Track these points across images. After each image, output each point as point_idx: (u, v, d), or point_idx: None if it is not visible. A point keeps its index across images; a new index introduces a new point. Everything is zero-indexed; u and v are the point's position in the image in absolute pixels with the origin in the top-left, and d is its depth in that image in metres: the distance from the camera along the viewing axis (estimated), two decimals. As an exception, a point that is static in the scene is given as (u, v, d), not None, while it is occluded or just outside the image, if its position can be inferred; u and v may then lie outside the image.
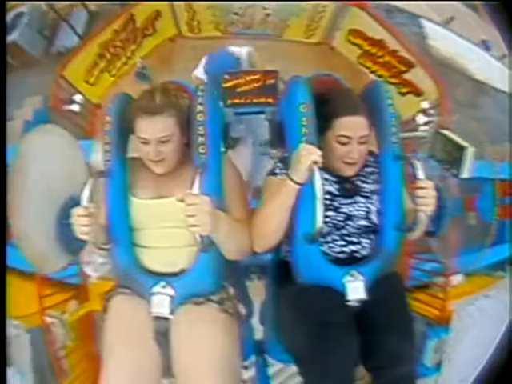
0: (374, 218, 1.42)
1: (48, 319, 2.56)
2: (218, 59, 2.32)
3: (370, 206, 1.42)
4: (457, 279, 2.75)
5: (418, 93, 3.66)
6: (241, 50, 2.42)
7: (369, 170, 1.48)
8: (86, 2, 5.03)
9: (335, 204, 1.40)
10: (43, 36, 4.89)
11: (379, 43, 3.79)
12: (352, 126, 1.36)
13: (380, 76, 3.95)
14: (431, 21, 4.16)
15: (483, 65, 4.08)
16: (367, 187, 1.44)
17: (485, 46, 4.54)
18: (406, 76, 3.74)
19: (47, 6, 4.86)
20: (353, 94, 1.46)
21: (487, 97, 4.06)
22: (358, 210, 1.41)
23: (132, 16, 3.98)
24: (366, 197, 1.43)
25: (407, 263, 2.90)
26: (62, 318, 2.59)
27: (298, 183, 1.25)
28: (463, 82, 3.85)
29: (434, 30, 4.13)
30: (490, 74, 3.99)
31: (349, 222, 1.40)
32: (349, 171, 1.41)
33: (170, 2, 4.01)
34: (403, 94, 3.77)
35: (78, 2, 4.93)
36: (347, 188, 1.43)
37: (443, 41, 4.07)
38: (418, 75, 3.65)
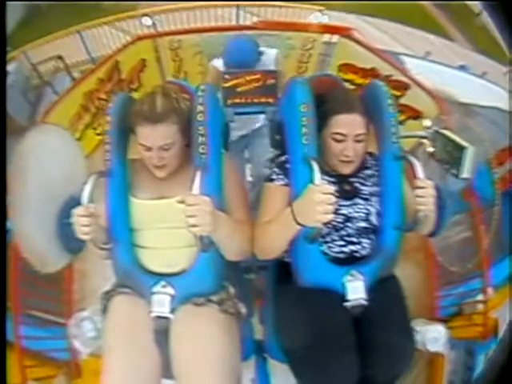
0: (373, 219, 1.45)
1: None
2: (239, 46, 2.35)
3: (369, 207, 1.45)
4: (489, 293, 2.68)
5: (416, 115, 3.65)
6: (269, 51, 2.48)
7: (368, 172, 1.52)
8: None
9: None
10: (27, 100, 5.06)
11: (371, 72, 3.78)
12: (347, 124, 1.41)
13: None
14: (411, 56, 4.45)
15: (467, 86, 4.30)
16: (366, 189, 1.48)
17: (463, 70, 4.87)
18: (402, 101, 3.69)
19: (31, 71, 5.06)
20: (350, 93, 1.54)
21: (478, 116, 4.23)
22: (357, 212, 1.44)
23: (117, 64, 3.86)
24: (366, 199, 1.46)
25: (434, 296, 2.86)
26: None
27: (302, 225, 1.25)
28: (451, 108, 4.01)
29: (415, 64, 4.40)
30: (475, 93, 4.19)
31: (348, 224, 1.44)
32: (345, 169, 1.45)
33: (155, 51, 3.96)
34: (401, 123, 3.60)
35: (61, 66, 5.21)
36: (346, 190, 1.46)
37: (425, 73, 4.29)
38: (414, 96, 3.62)
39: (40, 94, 5.19)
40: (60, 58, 5.17)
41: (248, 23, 4.14)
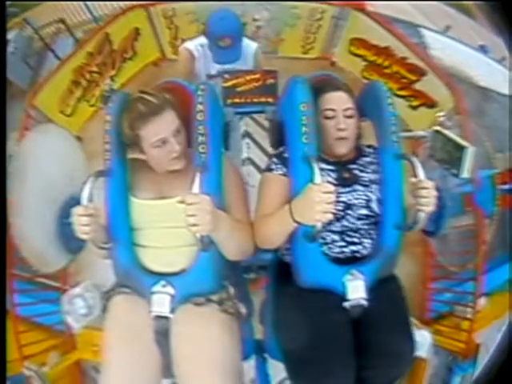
0: (374, 206, 1.50)
1: (26, 372, 2.55)
2: (223, 18, 2.23)
3: (369, 194, 1.50)
4: (481, 303, 2.75)
5: (431, 104, 3.57)
6: (249, 43, 2.43)
7: (367, 159, 1.59)
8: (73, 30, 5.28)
9: None
10: (28, 65, 5.05)
11: (385, 51, 3.70)
12: (335, 100, 1.54)
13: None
14: (431, 30, 4.34)
15: (485, 70, 4.25)
16: (366, 176, 1.54)
17: (483, 50, 4.81)
18: (417, 86, 3.64)
19: (32, 32, 5.04)
20: (336, 77, 1.68)
21: (494, 103, 4.18)
22: (357, 199, 1.49)
23: (107, 36, 3.83)
24: (365, 185, 1.52)
25: (427, 295, 2.97)
26: (39, 371, 2.56)
27: (299, 223, 1.31)
28: (469, 90, 3.92)
29: (434, 39, 4.31)
30: (493, 78, 4.14)
31: (349, 212, 1.48)
32: (341, 148, 1.53)
33: (149, 19, 3.98)
34: (415, 108, 3.70)
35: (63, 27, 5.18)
36: (345, 177, 1.53)
37: (444, 50, 4.22)
38: (430, 83, 3.54)
39: (41, 59, 5.18)
40: (62, 20, 5.15)
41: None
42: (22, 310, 2.63)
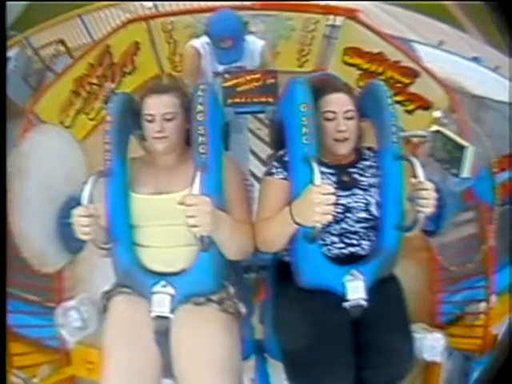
0: (373, 210, 1.49)
1: (14, 379, 2.47)
2: (223, 19, 2.26)
3: (368, 198, 1.49)
4: (493, 300, 2.67)
5: (426, 106, 3.59)
6: (256, 41, 2.44)
7: (367, 163, 1.57)
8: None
9: None
10: (28, 84, 5.10)
11: (378, 57, 3.76)
12: (335, 102, 1.52)
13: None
14: (423, 43, 4.41)
15: (480, 79, 4.31)
16: (365, 180, 1.53)
17: (476, 61, 4.89)
18: (412, 89, 3.67)
19: (32, 52, 5.09)
20: (336, 78, 1.68)
21: (491, 110, 4.22)
22: (356, 202, 1.48)
23: (108, 48, 3.89)
24: (364, 189, 1.51)
25: (436, 299, 2.93)
26: (28, 381, 2.50)
27: (300, 225, 1.30)
28: (464, 99, 3.95)
29: (426, 52, 4.39)
30: (488, 86, 4.19)
31: (348, 215, 1.47)
32: (341, 149, 1.51)
33: (149, 33, 4.03)
34: (411, 112, 3.72)
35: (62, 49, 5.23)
36: (345, 180, 1.52)
37: (437, 62, 4.25)
38: (424, 85, 3.56)
39: (41, 78, 5.23)
40: (61, 41, 5.23)
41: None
42: (17, 331, 2.58)
